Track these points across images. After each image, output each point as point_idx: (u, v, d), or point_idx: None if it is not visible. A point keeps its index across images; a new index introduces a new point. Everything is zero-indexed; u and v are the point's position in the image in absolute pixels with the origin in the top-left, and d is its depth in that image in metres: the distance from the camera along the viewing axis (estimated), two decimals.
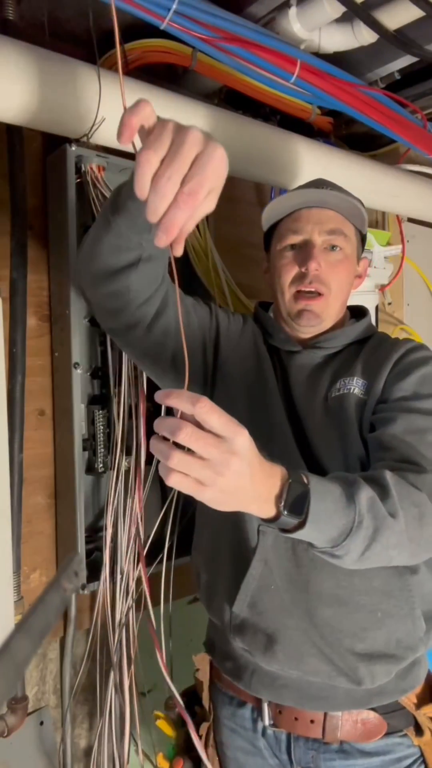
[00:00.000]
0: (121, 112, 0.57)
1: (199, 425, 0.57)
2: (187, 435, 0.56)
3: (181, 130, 0.57)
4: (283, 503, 0.65)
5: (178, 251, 0.60)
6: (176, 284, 0.66)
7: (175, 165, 0.55)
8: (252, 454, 0.60)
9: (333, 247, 0.95)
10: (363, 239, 1.03)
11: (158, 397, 0.58)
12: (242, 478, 0.59)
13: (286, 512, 0.65)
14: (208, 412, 0.56)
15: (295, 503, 0.65)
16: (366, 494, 0.70)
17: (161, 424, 0.58)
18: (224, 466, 0.57)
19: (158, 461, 0.58)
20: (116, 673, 1.17)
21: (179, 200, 0.56)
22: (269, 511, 0.65)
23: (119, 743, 1.19)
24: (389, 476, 0.73)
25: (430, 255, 1.91)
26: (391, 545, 0.71)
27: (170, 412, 0.59)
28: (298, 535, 0.67)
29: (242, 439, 0.58)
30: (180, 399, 0.57)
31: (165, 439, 0.58)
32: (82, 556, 1.14)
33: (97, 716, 1.24)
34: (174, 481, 0.57)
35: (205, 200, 0.58)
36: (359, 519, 0.68)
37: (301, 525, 0.66)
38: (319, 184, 1.01)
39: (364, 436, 0.87)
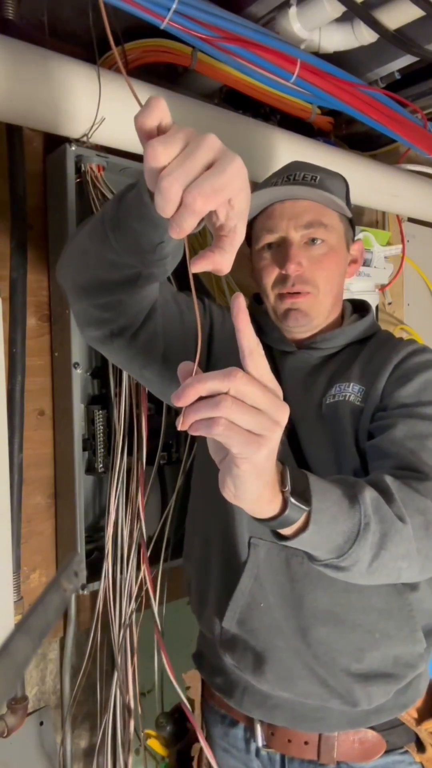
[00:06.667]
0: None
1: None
2: (238, 385, 0.47)
3: (197, 135, 0.50)
4: (288, 488, 0.56)
5: (196, 268, 0.52)
6: (194, 296, 0.56)
7: (187, 165, 0.48)
8: None
9: (314, 241, 0.87)
10: (351, 222, 0.94)
11: (176, 399, 0.49)
12: (277, 447, 0.51)
13: (293, 498, 0.56)
14: (248, 383, 0.48)
15: (299, 490, 0.57)
16: (370, 494, 0.62)
17: (194, 387, 0.48)
18: (280, 417, 0.49)
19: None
20: (117, 673, 1.17)
21: (185, 202, 0.48)
22: (274, 499, 0.56)
23: (119, 743, 1.18)
24: (390, 480, 0.66)
25: (430, 255, 1.91)
26: (401, 555, 0.63)
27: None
28: (300, 540, 0.59)
29: (286, 408, 0.51)
30: (204, 383, 0.48)
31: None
32: (82, 556, 1.14)
33: (97, 716, 1.24)
34: (219, 431, 0.47)
35: (237, 228, 0.51)
36: (365, 521, 0.60)
37: (304, 526, 0.58)
38: (290, 171, 0.90)
39: (360, 447, 0.80)
